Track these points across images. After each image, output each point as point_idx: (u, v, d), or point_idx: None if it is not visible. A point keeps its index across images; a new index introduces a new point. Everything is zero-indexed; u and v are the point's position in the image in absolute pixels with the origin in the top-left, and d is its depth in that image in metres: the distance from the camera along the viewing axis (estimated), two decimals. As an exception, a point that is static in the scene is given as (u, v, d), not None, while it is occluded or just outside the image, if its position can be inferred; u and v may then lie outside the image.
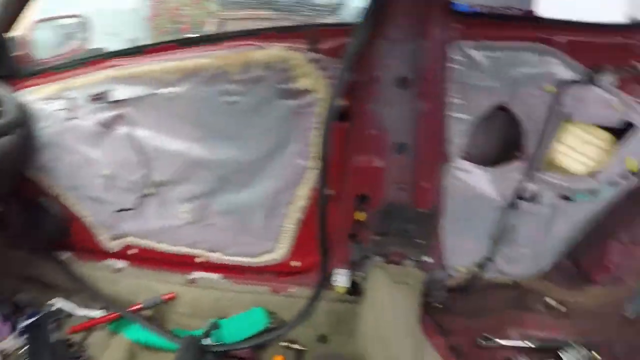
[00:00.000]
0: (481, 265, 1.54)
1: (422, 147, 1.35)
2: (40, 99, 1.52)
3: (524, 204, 1.43)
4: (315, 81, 1.31)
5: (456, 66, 1.26)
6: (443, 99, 1.29)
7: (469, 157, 1.40)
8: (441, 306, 1.59)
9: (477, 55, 1.25)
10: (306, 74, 1.31)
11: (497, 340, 1.50)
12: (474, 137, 1.36)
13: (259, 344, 1.48)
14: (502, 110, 1.33)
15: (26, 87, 1.53)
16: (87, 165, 1.58)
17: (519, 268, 1.57)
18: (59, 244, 1.82)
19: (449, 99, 1.29)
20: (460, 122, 1.32)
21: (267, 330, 1.49)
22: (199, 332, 1.49)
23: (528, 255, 1.54)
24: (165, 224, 1.61)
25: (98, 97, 1.45)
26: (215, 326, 1.49)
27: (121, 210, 1.64)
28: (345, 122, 1.35)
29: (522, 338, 1.50)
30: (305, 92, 1.33)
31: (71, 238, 1.80)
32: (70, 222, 1.75)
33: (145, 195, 1.60)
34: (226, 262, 1.61)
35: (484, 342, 1.51)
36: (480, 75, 1.27)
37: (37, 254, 1.82)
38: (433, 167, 1.38)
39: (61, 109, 1.51)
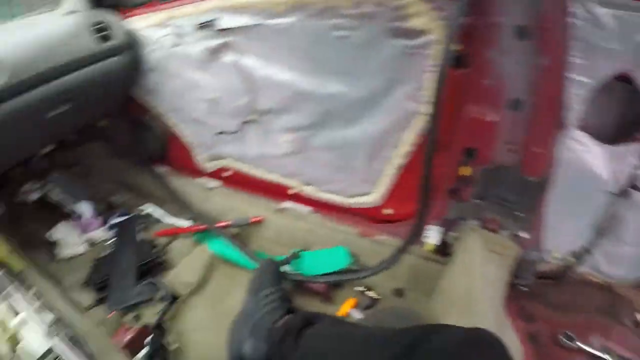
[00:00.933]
0: (578, 257, 1.44)
1: (539, 106, 1.25)
2: (147, 26, 1.60)
3: (637, 196, 1.29)
4: (429, 21, 1.23)
5: (578, 22, 1.14)
6: (563, 56, 1.17)
7: (586, 129, 1.27)
8: (527, 290, 1.51)
9: (602, 12, 1.15)
10: (420, 13, 1.23)
11: (579, 343, 1.39)
12: (592, 106, 1.24)
13: (335, 282, 1.44)
14: (625, 81, 1.22)
15: (134, 15, 1.61)
16: (192, 89, 1.63)
17: (618, 269, 1.44)
18: (158, 159, 1.90)
19: (569, 58, 1.18)
20: (580, 85, 1.20)
21: (346, 271, 1.45)
22: (280, 258, 1.48)
23: (632, 256, 1.42)
24: (265, 151, 1.63)
25: (205, 26, 1.48)
26: (296, 256, 1.48)
27: (222, 132, 1.67)
28: (461, 69, 1.27)
29: (603, 350, 1.38)
30: (420, 32, 1.26)
31: (170, 155, 1.87)
32: (170, 140, 1.82)
33: (247, 122, 1.62)
34: (318, 198, 1.60)
35: (564, 340, 1.41)
36: (604, 36, 1.14)
37: (137, 166, 1.92)
38: (548, 131, 1.27)
39: (167, 35, 1.57)
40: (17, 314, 1.24)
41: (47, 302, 1.34)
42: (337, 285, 1.49)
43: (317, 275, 1.47)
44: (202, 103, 1.65)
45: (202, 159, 1.78)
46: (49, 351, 1.17)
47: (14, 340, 1.18)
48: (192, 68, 1.60)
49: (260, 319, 1.23)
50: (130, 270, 1.48)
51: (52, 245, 1.73)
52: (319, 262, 1.52)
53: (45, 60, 1.39)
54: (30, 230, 1.80)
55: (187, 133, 1.76)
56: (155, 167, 1.91)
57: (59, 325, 1.25)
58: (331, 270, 1.48)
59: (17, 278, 1.44)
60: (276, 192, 1.67)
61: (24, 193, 1.89)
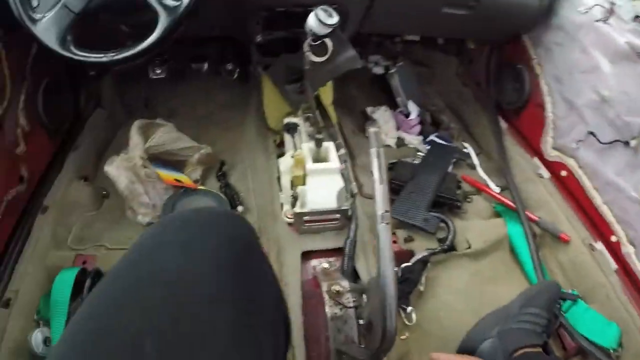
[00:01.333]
0: None
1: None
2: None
3: None
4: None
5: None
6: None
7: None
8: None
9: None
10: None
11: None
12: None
13: (589, 352, 1.27)
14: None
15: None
16: (589, 72, 1.42)
17: None
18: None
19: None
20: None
21: (603, 351, 1.25)
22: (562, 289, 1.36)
23: None
24: (619, 183, 1.35)
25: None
26: (573, 298, 1.33)
27: (591, 134, 1.45)
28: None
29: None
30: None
31: (519, 117, 1.77)
32: (528, 103, 1.70)
33: (624, 143, 1.36)
34: (634, 264, 1.36)
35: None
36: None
37: (487, 108, 1.86)
38: None
39: (598, 6, 1.37)
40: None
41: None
42: (585, 356, 1.34)
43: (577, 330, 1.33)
44: (590, 92, 1.43)
45: (549, 143, 1.63)
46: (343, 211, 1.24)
47: (299, 182, 1.26)
48: (602, 53, 1.38)
49: (513, 330, 1.15)
50: (428, 194, 1.46)
51: (367, 118, 1.83)
52: (586, 320, 1.36)
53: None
54: (353, 94, 1.91)
55: (554, 110, 1.60)
56: (498, 118, 1.83)
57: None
58: (590, 338, 1.33)
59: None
60: (594, 225, 1.50)
61: (371, 62, 1.97)
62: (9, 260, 1.26)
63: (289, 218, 1.28)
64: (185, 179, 1.44)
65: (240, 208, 1.41)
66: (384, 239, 0.82)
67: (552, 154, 1.59)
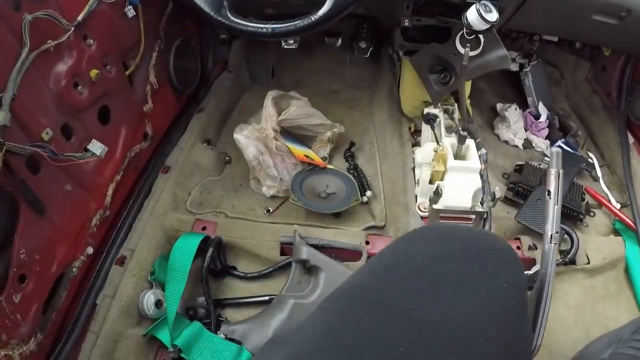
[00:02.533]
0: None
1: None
2: None
3: None
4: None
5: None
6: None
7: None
8: None
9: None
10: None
11: None
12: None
13: None
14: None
15: None
16: None
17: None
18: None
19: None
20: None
21: None
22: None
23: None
24: None
25: None
26: None
27: None
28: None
29: None
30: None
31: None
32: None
33: None
34: None
35: None
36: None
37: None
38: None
39: None
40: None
41: None
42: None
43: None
44: None
45: None
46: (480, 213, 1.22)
47: (438, 177, 1.25)
48: None
49: (624, 355, 1.13)
50: None
51: (496, 114, 1.78)
52: None
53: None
54: (482, 88, 1.86)
55: None
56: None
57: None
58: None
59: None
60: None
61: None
62: (127, 217, 1.28)
63: (423, 211, 1.27)
64: (314, 155, 1.45)
65: (369, 193, 1.39)
66: (550, 258, 0.82)
67: None
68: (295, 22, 0.99)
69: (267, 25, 0.98)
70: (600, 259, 1.36)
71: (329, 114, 1.62)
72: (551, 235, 0.82)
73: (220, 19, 0.98)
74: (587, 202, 1.54)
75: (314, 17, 0.98)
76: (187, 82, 1.63)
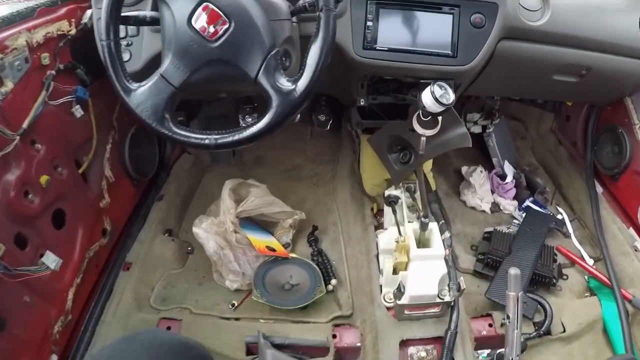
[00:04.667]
0: None
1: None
2: None
3: None
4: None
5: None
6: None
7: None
8: None
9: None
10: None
11: None
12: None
13: None
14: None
15: None
16: None
17: None
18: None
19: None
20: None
21: None
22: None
23: None
24: None
25: None
26: None
27: None
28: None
29: None
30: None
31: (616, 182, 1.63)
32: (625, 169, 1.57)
33: None
34: None
35: None
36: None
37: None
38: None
39: None
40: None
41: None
42: None
43: None
44: None
45: None
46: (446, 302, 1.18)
47: (401, 267, 1.21)
48: None
49: None
50: (525, 274, 1.36)
51: (461, 178, 1.74)
52: None
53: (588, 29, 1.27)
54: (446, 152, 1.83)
55: None
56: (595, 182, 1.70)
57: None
58: None
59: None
60: None
61: (469, 122, 1.88)
62: (90, 321, 1.22)
63: (388, 302, 1.22)
64: (276, 245, 1.40)
65: (334, 281, 1.35)
66: None
67: None
68: (240, 133, 0.94)
69: (210, 136, 0.92)
70: (576, 325, 1.31)
71: (291, 193, 1.59)
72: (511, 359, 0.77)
73: (162, 130, 0.92)
74: (559, 263, 1.50)
75: (254, 128, 0.92)
76: (144, 170, 1.58)
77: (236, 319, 1.28)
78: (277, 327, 1.24)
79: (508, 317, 0.81)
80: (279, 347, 1.19)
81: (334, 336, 1.23)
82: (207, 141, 0.91)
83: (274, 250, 1.36)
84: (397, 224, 1.24)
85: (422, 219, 1.17)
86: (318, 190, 1.73)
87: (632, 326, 1.31)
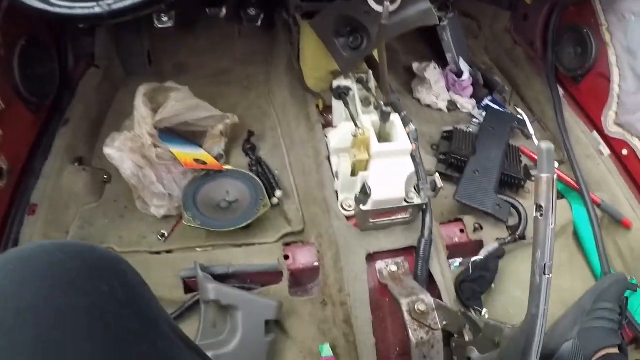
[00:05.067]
0: None
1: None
2: None
3: None
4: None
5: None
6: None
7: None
8: None
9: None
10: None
11: None
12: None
13: None
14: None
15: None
16: None
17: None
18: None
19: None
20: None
21: None
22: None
23: None
24: None
25: None
26: (634, 288, 1.15)
27: None
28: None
29: None
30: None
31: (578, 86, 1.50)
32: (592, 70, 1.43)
33: None
34: None
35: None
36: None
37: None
38: None
39: None
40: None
41: None
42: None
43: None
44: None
45: (611, 118, 1.39)
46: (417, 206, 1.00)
47: (361, 167, 1.01)
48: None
49: (592, 330, 0.99)
50: (494, 173, 1.23)
51: (413, 76, 1.56)
52: None
53: None
54: (394, 48, 1.65)
55: (622, 83, 1.34)
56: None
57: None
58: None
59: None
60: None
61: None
62: None
63: (347, 210, 1.01)
64: (207, 157, 1.15)
65: (278, 192, 1.15)
66: (543, 295, 0.59)
67: (613, 130, 1.36)
68: None
69: (100, 3, 0.73)
70: None
71: (220, 100, 1.35)
72: (545, 265, 0.57)
73: (37, 5, 0.73)
74: (525, 164, 1.37)
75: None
76: (43, 92, 1.26)
77: (168, 252, 1.08)
78: (218, 255, 1.04)
79: (540, 208, 0.59)
80: (222, 277, 1.00)
81: (286, 257, 1.04)
82: (97, 9, 0.74)
83: (204, 163, 1.10)
84: (352, 118, 1.01)
85: (384, 108, 0.95)
86: (251, 93, 1.49)
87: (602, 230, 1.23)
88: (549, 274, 0.58)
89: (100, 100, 1.42)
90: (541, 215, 0.58)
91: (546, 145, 0.58)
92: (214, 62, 1.61)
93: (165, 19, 1.20)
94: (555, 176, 0.59)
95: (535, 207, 0.60)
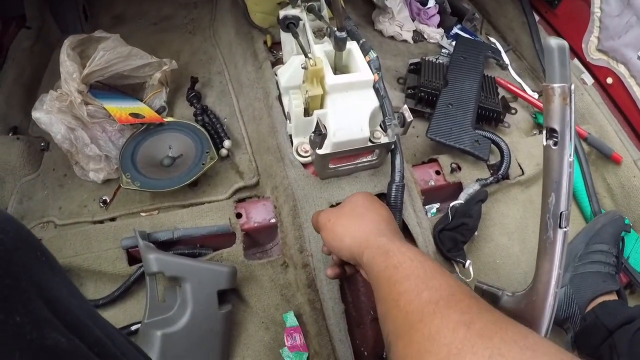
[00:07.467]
0: None
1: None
2: None
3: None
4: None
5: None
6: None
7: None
8: None
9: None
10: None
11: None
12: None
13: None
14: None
15: None
16: None
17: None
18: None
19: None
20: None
21: None
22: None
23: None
24: None
25: None
26: (627, 228, 0.98)
27: None
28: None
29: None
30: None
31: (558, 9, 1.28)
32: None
33: None
34: None
35: None
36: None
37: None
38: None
39: None
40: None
41: None
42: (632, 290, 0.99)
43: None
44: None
45: (593, 44, 1.17)
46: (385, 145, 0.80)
47: (316, 105, 0.79)
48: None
49: (586, 275, 0.86)
50: (470, 107, 1.03)
51: (374, 6, 1.33)
52: (638, 252, 0.99)
53: None
54: None
55: (603, 5, 1.12)
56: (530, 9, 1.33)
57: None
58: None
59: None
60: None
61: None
62: None
63: (303, 156, 0.79)
64: (145, 110, 0.93)
65: (227, 143, 0.96)
66: (558, 255, 0.41)
67: (595, 57, 1.17)
68: None
69: None
70: (534, 166, 1.02)
71: (161, 47, 1.16)
72: (561, 214, 0.36)
73: None
74: (503, 96, 1.18)
75: None
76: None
77: (112, 220, 0.90)
78: (164, 218, 0.85)
79: (552, 133, 0.38)
80: (168, 244, 0.81)
81: (239, 215, 0.86)
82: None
83: (141, 117, 0.88)
84: (303, 49, 0.78)
85: (338, 34, 0.72)
86: (195, 38, 1.28)
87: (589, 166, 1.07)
88: (565, 227, 0.38)
89: (34, 63, 1.21)
90: (555, 143, 0.38)
91: (557, 41, 0.37)
92: (154, 9, 1.39)
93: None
94: (573, 86, 0.38)
95: (545, 131, 0.38)
